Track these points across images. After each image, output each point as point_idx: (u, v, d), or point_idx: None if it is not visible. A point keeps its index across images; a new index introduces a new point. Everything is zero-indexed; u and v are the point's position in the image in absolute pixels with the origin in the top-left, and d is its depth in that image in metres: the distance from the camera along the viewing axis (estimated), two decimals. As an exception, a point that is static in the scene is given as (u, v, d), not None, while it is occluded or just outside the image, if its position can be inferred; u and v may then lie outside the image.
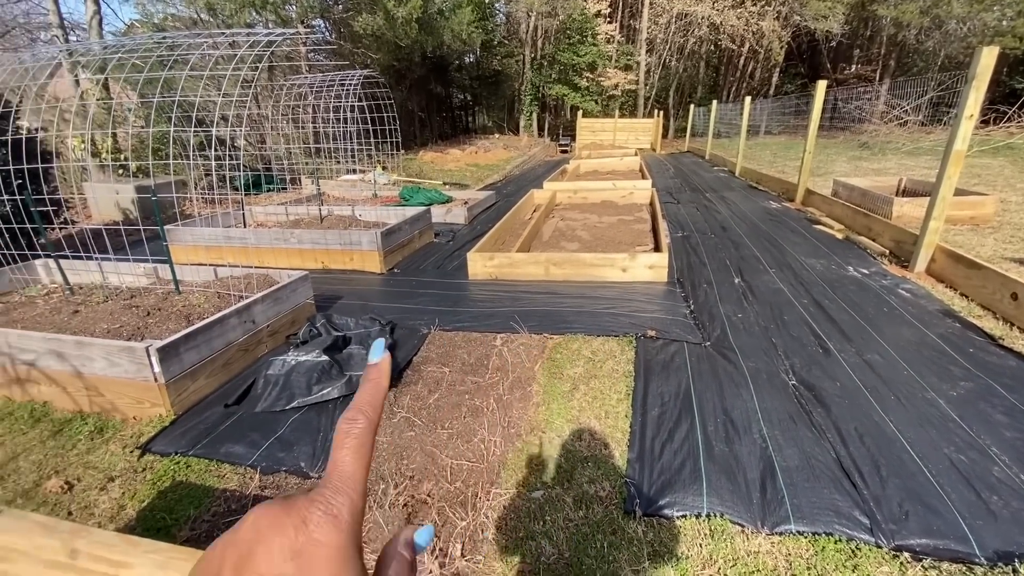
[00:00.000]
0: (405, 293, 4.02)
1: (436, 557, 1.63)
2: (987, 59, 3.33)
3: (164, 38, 3.84)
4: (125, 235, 3.81)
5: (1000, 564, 1.50)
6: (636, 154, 13.05)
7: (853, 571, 1.51)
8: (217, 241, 4.88)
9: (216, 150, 6.85)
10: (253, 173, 8.81)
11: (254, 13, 9.83)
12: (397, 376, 2.72)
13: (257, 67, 3.89)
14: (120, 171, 8.07)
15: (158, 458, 2.17)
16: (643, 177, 8.67)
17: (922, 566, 1.52)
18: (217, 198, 5.98)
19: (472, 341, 3.11)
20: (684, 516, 1.73)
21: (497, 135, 23.92)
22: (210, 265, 3.67)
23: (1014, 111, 12.18)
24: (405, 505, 1.85)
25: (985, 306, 3.21)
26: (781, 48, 22.94)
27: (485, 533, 1.73)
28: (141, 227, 3.83)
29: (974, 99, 3.39)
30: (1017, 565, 1.49)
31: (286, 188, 8.64)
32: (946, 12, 18.40)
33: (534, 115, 23.96)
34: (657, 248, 4.63)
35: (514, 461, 2.06)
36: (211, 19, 9.59)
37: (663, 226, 4.99)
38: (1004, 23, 18.36)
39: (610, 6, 23.17)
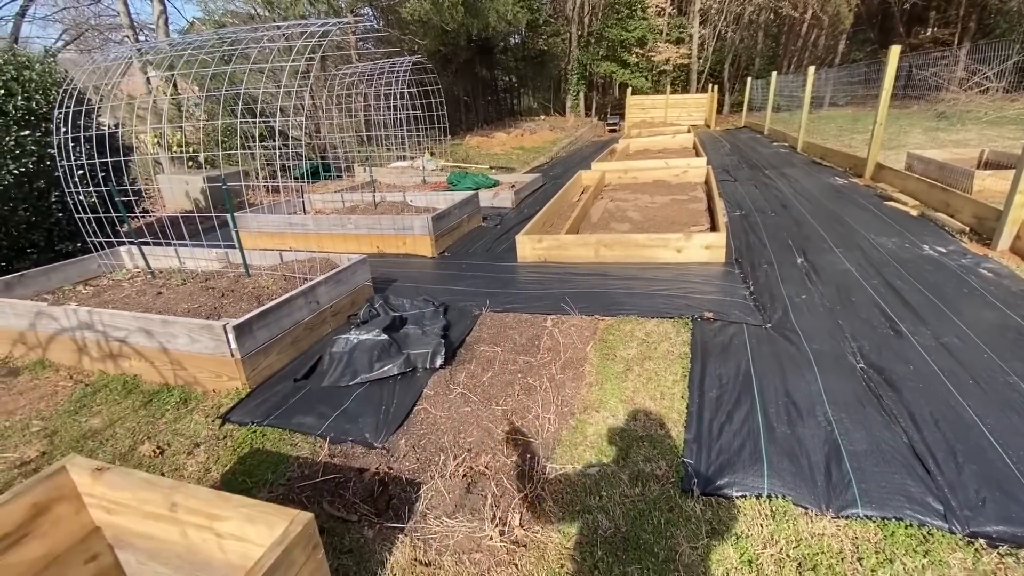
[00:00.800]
0: (456, 276, 4.11)
1: (496, 525, 1.70)
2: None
3: (226, 34, 4.04)
4: (198, 222, 4.09)
5: (1094, 558, 1.41)
6: (689, 131, 12.58)
7: (924, 556, 1.46)
8: (280, 228, 5.15)
9: (276, 140, 7.17)
10: (310, 162, 9.17)
11: (308, 4, 10.12)
12: (451, 355, 2.81)
13: (312, 58, 4.03)
14: (190, 163, 8.60)
15: (237, 427, 2.35)
16: (697, 155, 8.37)
17: (998, 553, 1.45)
18: (280, 186, 6.28)
19: (523, 322, 3.16)
20: (744, 496, 1.72)
21: (543, 116, 23.66)
22: (275, 250, 3.88)
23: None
24: (464, 476, 1.93)
25: (1084, 286, 2.93)
26: (850, 12, 21.27)
27: (543, 505, 1.78)
28: (213, 215, 4.09)
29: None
30: (1115, 560, 1.39)
31: (341, 176, 8.95)
32: (1044, -39, 16.44)
33: (581, 94, 23.49)
34: (714, 228, 4.49)
35: (568, 438, 2.10)
36: (267, 13, 9.96)
37: (720, 205, 4.82)
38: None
39: (660, -23, 22.20)
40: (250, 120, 4.83)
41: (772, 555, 1.51)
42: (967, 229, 4.09)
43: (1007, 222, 3.56)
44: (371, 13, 15.38)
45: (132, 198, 5.74)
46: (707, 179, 6.25)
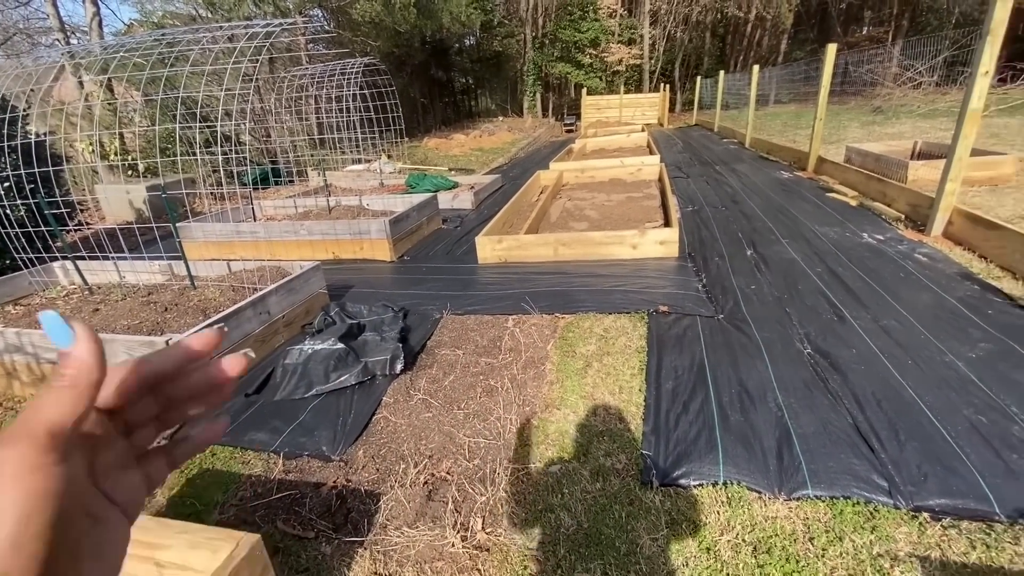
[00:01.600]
0: (416, 279, 4.05)
1: (458, 531, 1.67)
2: (1001, 12, 3.21)
3: (163, 35, 3.85)
4: (139, 234, 3.87)
5: (1021, 521, 1.50)
6: (643, 130, 12.85)
7: (872, 532, 1.52)
8: (228, 236, 4.94)
9: (222, 146, 6.89)
10: (260, 168, 8.85)
11: (253, 6, 9.77)
12: (412, 360, 2.76)
13: (257, 60, 3.89)
14: (129, 172, 8.15)
15: (185, 447, 2.23)
16: (651, 153, 8.55)
17: (941, 525, 1.52)
18: (226, 194, 6.03)
19: (484, 324, 3.13)
20: (701, 485, 1.75)
21: (501, 118, 23.70)
22: (223, 260, 3.72)
23: (1035, 66, 11.73)
24: (426, 483, 1.89)
25: (1005, 267, 3.14)
26: (790, 12, 22.27)
27: (505, 507, 1.76)
28: (154, 225, 3.88)
29: (989, 54, 3.28)
30: (1038, 522, 1.49)
31: (293, 181, 8.68)
32: (962, -34, 17.67)
33: (537, 95, 23.65)
34: (667, 223, 4.59)
35: (531, 438, 2.09)
36: (210, 14, 9.55)
37: (673, 201, 4.94)
38: (1023, -26, 17.60)
39: (611, -21, 22.63)
40: (193, 125, 4.62)
41: (729, 541, 1.54)
42: (903, 217, 4.33)
43: (939, 209, 3.79)
44: (321, 14, 15.03)
45: (65, 211, 5.39)
46: (661, 176, 6.40)
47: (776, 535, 1.55)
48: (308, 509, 1.83)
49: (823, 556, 1.47)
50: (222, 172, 4.53)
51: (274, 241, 4.82)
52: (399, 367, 2.64)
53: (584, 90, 20.38)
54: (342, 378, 2.57)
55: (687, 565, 1.49)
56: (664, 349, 2.60)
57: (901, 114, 11.44)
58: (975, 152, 4.86)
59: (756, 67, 10.22)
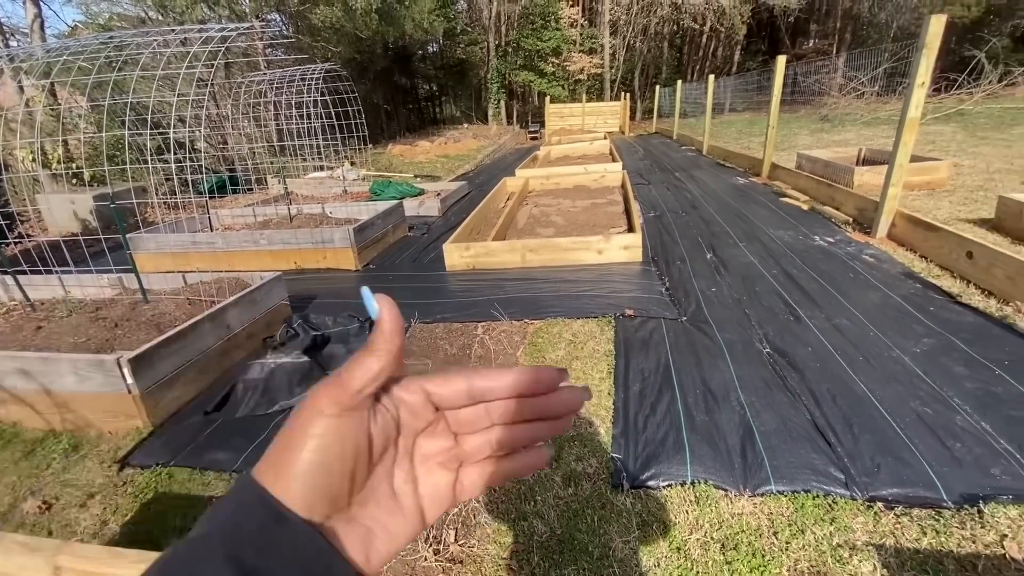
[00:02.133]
0: (382, 288, 3.98)
1: (431, 545, 1.64)
2: (936, 26, 3.44)
3: (111, 38, 3.68)
4: (85, 246, 3.67)
5: (966, 506, 1.60)
6: (605, 137, 13.10)
7: (831, 524, 1.59)
8: (183, 247, 4.74)
9: (175, 153, 6.63)
10: (216, 175, 8.55)
11: (206, 9, 9.45)
12: (380, 371, 2.71)
13: (212, 64, 3.77)
14: (74, 180, 7.73)
15: (139, 471, 2.12)
16: (613, 160, 8.72)
17: (894, 514, 1.60)
18: (180, 203, 5.80)
19: (453, 332, 3.11)
20: (670, 485, 1.78)
21: (466, 125, 23.70)
22: (178, 272, 3.57)
23: (964, 78, 12.62)
24: (396, 497, 1.86)
25: (943, 266, 3.35)
26: (742, 24, 23.22)
27: (477, 517, 1.75)
28: (102, 237, 3.69)
29: (925, 66, 3.51)
30: (982, 506, 1.58)
31: (252, 189, 8.42)
32: (897, -16, 18.87)
33: (502, 103, 23.80)
34: (631, 229, 4.69)
35: (502, 446, 2.08)
36: (161, 17, 9.18)
37: (635, 207, 5.05)
38: (951, -8, 18.94)
39: (572, -11, 23.08)
40: (144, 131, 4.42)
41: (698, 539, 1.58)
42: (850, 220, 4.56)
43: (883, 212, 4.01)
44: (279, 19, 14.69)
45: (4, 222, 5.05)
46: (623, 183, 6.54)
47: (743, 531, 1.59)
48: (273, 529, 1.76)
49: (787, 549, 1.53)
50: (176, 180, 4.36)
51: (232, 251, 4.66)
52: (367, 378, 2.58)
53: (547, 98, 20.63)
54: (307, 392, 2.50)
55: (659, 566, 1.52)
56: (631, 352, 2.65)
57: (846, 122, 12.08)
58: (914, 158, 5.17)
59: (712, 77, 10.59)
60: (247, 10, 10.78)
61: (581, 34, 23.81)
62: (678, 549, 1.56)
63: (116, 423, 2.36)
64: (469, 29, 23.79)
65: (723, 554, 1.53)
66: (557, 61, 22.83)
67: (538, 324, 3.08)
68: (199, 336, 2.65)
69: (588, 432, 2.11)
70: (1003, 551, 1.46)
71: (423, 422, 0.32)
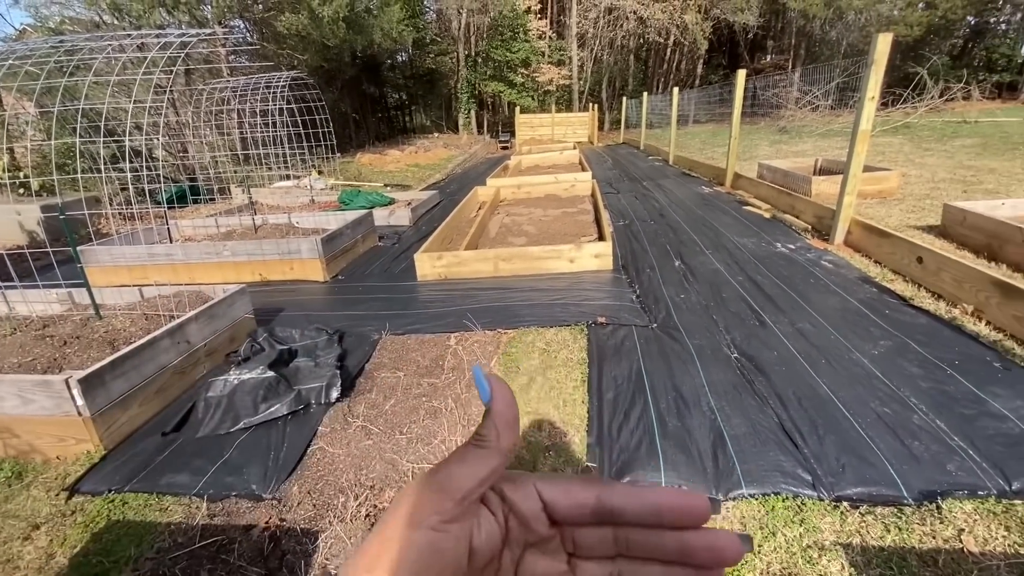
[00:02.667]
0: (352, 300, 3.90)
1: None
2: (883, 44, 3.63)
3: (61, 42, 3.52)
4: (31, 260, 3.48)
5: (925, 503, 1.65)
6: (575, 147, 13.28)
7: (800, 525, 1.62)
8: (140, 260, 4.54)
9: (131, 162, 6.37)
10: (176, 185, 8.26)
11: (165, 14, 9.15)
12: (349, 385, 2.64)
13: (171, 71, 3.65)
14: (22, 190, 7.32)
15: (89, 498, 1.99)
16: (583, 169, 8.84)
17: (859, 513, 1.65)
18: (137, 213, 5.56)
19: (425, 343, 3.07)
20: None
21: (436, 134, 23.65)
22: (134, 286, 3.41)
23: (908, 93, 13.37)
24: (367, 516, 1.80)
25: (896, 271, 3.51)
26: (704, 39, 24.02)
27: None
28: (50, 250, 3.49)
29: (874, 81, 3.69)
30: (940, 502, 1.65)
31: (214, 199, 8.16)
32: (846, 4, 19.92)
33: (472, 113, 23.86)
34: (601, 237, 4.74)
35: (476, 458, 2.05)
36: (116, 21, 8.84)
37: (605, 216, 5.12)
38: (896, 12, 20.12)
39: (540, 2, 23.42)
40: (97, 139, 4.23)
41: (673, 546, 1.58)
42: (810, 227, 4.73)
43: (840, 220, 4.18)
44: (243, 25, 14.36)
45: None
46: (593, 192, 6.62)
47: (752, 539, 1.60)
48: (237, 555, 1.68)
49: (759, 553, 1.55)
50: (132, 190, 4.18)
51: (193, 264, 4.49)
52: (335, 394, 2.51)
53: (517, 108, 20.82)
54: (272, 409, 2.41)
55: (635, 575, 1.51)
56: (604, 360, 2.66)
57: (803, 134, 12.60)
58: (866, 168, 5.41)
59: (676, 89, 10.90)
60: (209, 16, 10.50)
61: (550, 46, 24.19)
62: (654, 557, 1.56)
63: (64, 448, 2.22)
64: (439, 39, 23.83)
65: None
66: (526, 72, 23.09)
67: (511, 334, 3.07)
68: (157, 353, 2.53)
69: (563, 441, 2.10)
70: (961, 545, 1.52)
71: (535, 536, 0.28)
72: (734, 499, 1.73)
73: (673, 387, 2.37)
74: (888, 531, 1.58)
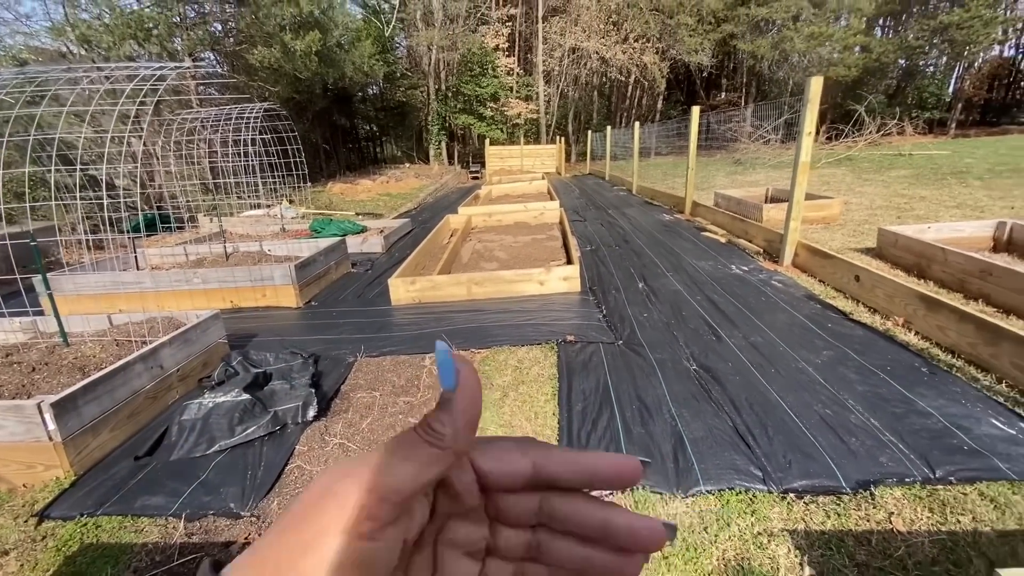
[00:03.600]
0: (326, 325, 3.95)
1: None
2: (815, 86, 4.04)
3: (21, 73, 3.57)
4: (-6, 288, 3.42)
5: (860, 491, 1.83)
6: (543, 178, 13.72)
7: (752, 515, 1.77)
8: (107, 288, 4.48)
9: (95, 191, 6.28)
10: (144, 214, 8.14)
11: (136, 46, 9.18)
12: (326, 405, 2.69)
13: (145, 103, 3.72)
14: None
15: (60, 523, 1.98)
16: (551, 198, 9.16)
17: (803, 502, 1.81)
18: (105, 242, 5.47)
19: (401, 364, 3.15)
20: (612, 494, 1.91)
21: (407, 164, 23.94)
22: (103, 314, 3.38)
23: (850, 128, 14.43)
24: (347, 526, 1.86)
25: (837, 288, 3.82)
26: (662, 78, 25.37)
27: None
28: (18, 276, 3.44)
29: (810, 119, 4.08)
30: (873, 489, 1.83)
31: (182, 228, 8.07)
32: (790, 47, 21.50)
33: (443, 144, 24.31)
34: (569, 261, 4.95)
35: (452, 469, 2.14)
36: (84, 52, 8.80)
37: (573, 242, 5.35)
38: (835, 55, 21.83)
39: (507, 41, 24.36)
40: (59, 168, 4.22)
41: (638, 540, 1.70)
42: (761, 250, 5.07)
43: (787, 243, 4.51)
44: (214, 58, 14.45)
45: None
46: (561, 220, 6.89)
47: (678, 529, 1.74)
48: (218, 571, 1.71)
49: (716, 541, 1.68)
50: (97, 218, 4.15)
51: (163, 291, 4.45)
52: (312, 413, 2.56)
53: (487, 140, 21.36)
54: (249, 430, 2.44)
55: (603, 567, 1.62)
56: (573, 375, 2.80)
57: (757, 165, 13.40)
58: (811, 197, 5.85)
59: (637, 124, 11.50)
60: (179, 47, 10.56)
61: (517, 82, 25.06)
62: (620, 550, 1.67)
63: (33, 475, 2.19)
64: (409, 74, 24.40)
65: (660, 551, 1.66)
66: (495, 106, 23.80)
67: (485, 353, 3.18)
68: (129, 378, 2.54)
69: (535, 451, 2.21)
70: (891, 526, 1.69)
71: (463, 509, 0.26)
72: (693, 495, 1.87)
73: (637, 397, 2.53)
74: (828, 517, 1.74)
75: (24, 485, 2.19)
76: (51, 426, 2.14)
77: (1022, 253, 4.18)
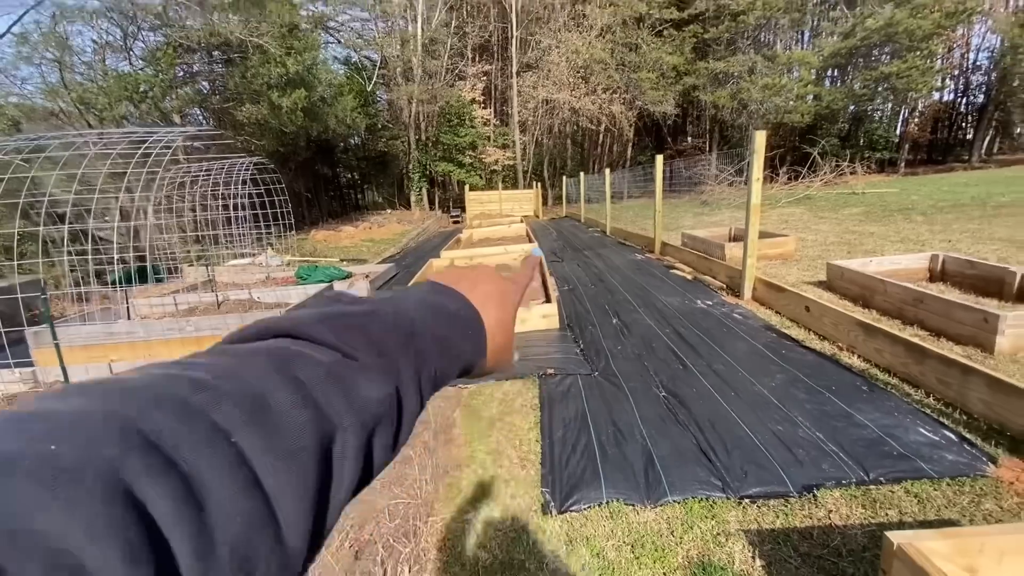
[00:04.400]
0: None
1: (387, 580, 1.84)
2: (760, 140, 4.55)
3: (19, 137, 3.83)
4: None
5: (805, 493, 2.09)
6: (522, 221, 14.24)
7: (712, 519, 2.01)
8: (98, 339, 4.59)
9: (82, 244, 6.43)
10: (133, 266, 8.24)
11: (131, 107, 9.54)
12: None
13: (157, 167, 3.99)
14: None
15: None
16: (530, 241, 9.58)
17: (756, 506, 2.06)
18: (88, 295, 5.60)
19: (391, 401, 3.34)
20: (589, 507, 2.13)
21: (389, 210, 24.45)
22: (100, 363, 3.52)
23: (806, 171, 15.44)
24: (351, 546, 2.03)
25: (791, 319, 4.18)
26: (630, 127, 26.81)
27: (428, 555, 1.97)
28: (1, 331, 3.58)
29: (758, 166, 4.57)
30: (816, 492, 2.09)
31: (162, 279, 8.18)
32: (747, 97, 23.09)
33: (424, 190, 24.99)
34: (548, 300, 5.25)
35: (445, 494, 2.34)
36: (74, 109, 9.10)
37: (551, 281, 5.68)
38: (790, 103, 23.47)
39: (483, 94, 25.62)
40: (46, 225, 4.41)
41: (613, 544, 1.92)
42: (724, 286, 5.46)
43: (746, 279, 4.91)
44: (200, 114, 14.92)
45: None
46: (540, 260, 7.25)
47: (647, 534, 1.96)
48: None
49: (681, 542, 1.91)
50: (83, 272, 4.31)
51: (155, 341, 4.58)
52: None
53: (467, 186, 22.07)
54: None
55: (583, 569, 1.83)
56: (553, 405, 3.05)
57: (722, 206, 14.17)
58: (768, 234, 6.35)
59: (608, 170, 12.18)
60: (171, 107, 10.97)
61: (494, 131, 26.20)
62: (598, 554, 1.89)
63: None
64: (390, 125, 25.31)
65: (633, 553, 1.88)
66: (474, 154, 24.74)
67: (472, 388, 3.41)
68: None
69: (521, 475, 2.42)
70: (830, 522, 1.95)
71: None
72: (661, 505, 2.11)
73: (612, 422, 2.77)
74: (778, 517, 1.99)
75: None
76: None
77: (954, 282, 4.64)
